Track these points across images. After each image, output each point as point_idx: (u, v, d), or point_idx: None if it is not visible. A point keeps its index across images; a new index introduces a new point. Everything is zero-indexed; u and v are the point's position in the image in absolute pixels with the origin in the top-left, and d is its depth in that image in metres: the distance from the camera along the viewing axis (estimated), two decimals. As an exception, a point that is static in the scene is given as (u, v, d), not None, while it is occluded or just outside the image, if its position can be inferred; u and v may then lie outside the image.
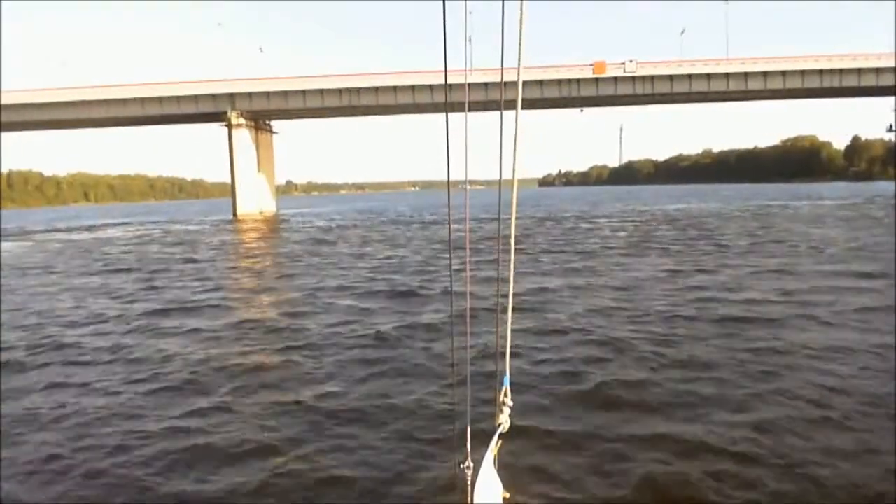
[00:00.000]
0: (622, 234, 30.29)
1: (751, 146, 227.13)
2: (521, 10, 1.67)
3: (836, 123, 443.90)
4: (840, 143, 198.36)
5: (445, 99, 1.83)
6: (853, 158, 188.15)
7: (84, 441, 6.20)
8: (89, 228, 51.88)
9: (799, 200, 63.44)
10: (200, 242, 32.93)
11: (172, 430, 6.45)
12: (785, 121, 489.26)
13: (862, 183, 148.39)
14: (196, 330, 11.45)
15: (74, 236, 41.67)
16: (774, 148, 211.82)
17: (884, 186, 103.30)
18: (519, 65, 1.76)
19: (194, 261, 23.32)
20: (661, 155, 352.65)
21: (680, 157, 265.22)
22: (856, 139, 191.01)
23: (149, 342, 10.52)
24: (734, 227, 31.47)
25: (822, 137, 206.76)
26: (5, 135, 79.81)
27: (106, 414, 6.97)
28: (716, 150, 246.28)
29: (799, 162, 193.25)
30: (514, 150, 1.81)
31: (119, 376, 8.53)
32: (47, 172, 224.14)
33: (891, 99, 76.62)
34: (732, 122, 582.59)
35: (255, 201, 74.82)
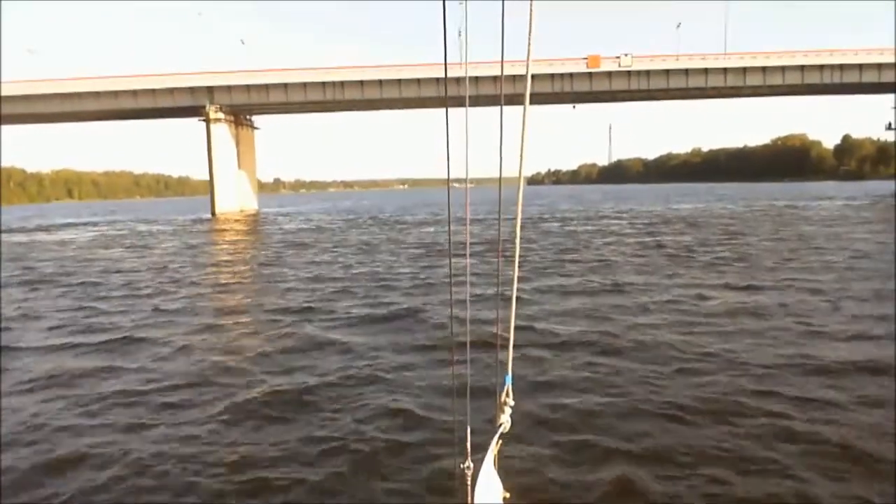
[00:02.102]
0: (656, 239, 26.52)
1: (740, 145, 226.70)
2: (531, 7, 1.66)
3: (826, 122, 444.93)
4: (829, 141, 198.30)
5: (445, 93, 1.78)
6: (843, 158, 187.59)
7: None
8: (49, 229, 48.47)
9: (804, 200, 60.64)
10: (157, 246, 29.92)
11: None
12: (774, 120, 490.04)
13: (853, 182, 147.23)
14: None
15: (28, 238, 38.39)
16: (765, 147, 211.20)
17: (877, 186, 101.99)
18: (528, 58, 1.71)
19: (135, 270, 20.28)
20: (650, 154, 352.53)
21: (669, 156, 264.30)
22: (846, 138, 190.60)
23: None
24: (766, 230, 28.51)
25: (812, 136, 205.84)
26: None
27: None
28: (705, 148, 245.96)
29: (789, 161, 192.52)
30: (521, 147, 1.77)
31: None
32: (31, 169, 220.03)
33: (891, 96, 74.68)
34: (721, 120, 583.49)
35: (236, 199, 71.83)
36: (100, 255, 26.13)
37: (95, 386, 8.02)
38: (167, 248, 29.01)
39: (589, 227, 34.44)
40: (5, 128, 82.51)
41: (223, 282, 17.25)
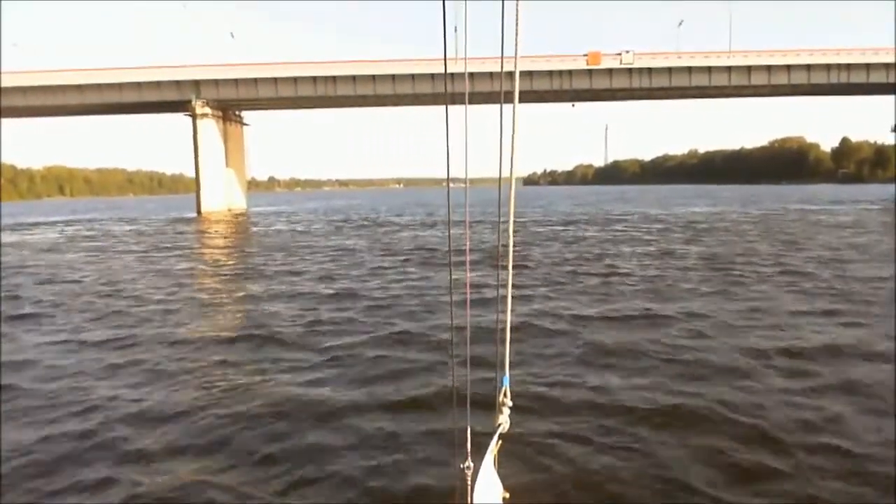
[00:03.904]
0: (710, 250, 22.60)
1: (737, 147, 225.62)
2: (517, 7, 1.68)
3: (822, 125, 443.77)
4: (826, 144, 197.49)
5: (445, 90, 1.81)
6: (841, 160, 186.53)
7: None
8: (18, 228, 45.59)
9: (817, 204, 57.61)
10: (120, 248, 27.34)
11: None
12: (770, 122, 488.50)
13: (852, 185, 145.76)
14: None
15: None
16: (762, 149, 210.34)
17: (879, 189, 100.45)
18: (516, 58, 1.73)
19: (72, 280, 17.55)
20: (646, 155, 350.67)
21: (666, 158, 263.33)
22: (845, 141, 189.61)
23: None
24: (804, 238, 25.68)
25: (809, 139, 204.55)
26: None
27: None
28: (701, 150, 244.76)
29: (787, 163, 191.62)
30: (511, 148, 1.80)
31: None
32: (23, 165, 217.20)
33: (891, 98, 72.65)
34: (717, 122, 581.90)
35: (223, 198, 69.48)
36: (49, 259, 23.48)
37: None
38: (132, 250, 26.60)
39: (604, 233, 30.99)
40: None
41: (170, 296, 14.79)
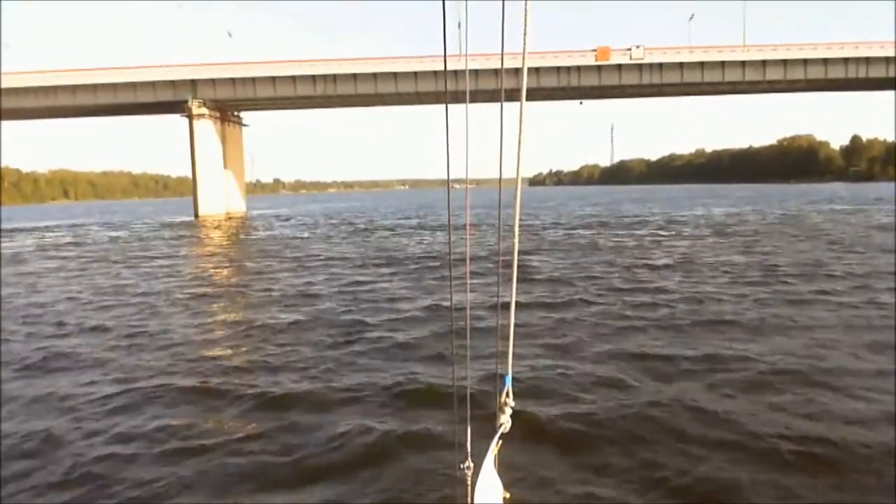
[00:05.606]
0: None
1: (745, 146, 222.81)
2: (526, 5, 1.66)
3: (832, 123, 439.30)
4: (836, 142, 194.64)
5: (445, 89, 1.79)
6: (852, 158, 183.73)
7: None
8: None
9: (842, 204, 54.61)
10: (91, 258, 25.24)
11: None
12: (776, 120, 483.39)
13: (863, 183, 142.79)
14: None
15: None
16: (770, 148, 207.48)
17: (891, 187, 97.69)
18: (524, 54, 1.69)
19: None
20: (652, 154, 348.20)
21: (673, 157, 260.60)
22: (855, 139, 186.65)
23: None
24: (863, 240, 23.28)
25: (819, 137, 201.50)
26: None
27: None
28: (708, 149, 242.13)
29: (796, 162, 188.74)
30: (518, 146, 1.77)
31: None
32: (28, 169, 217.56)
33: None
34: (724, 121, 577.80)
35: (221, 201, 67.57)
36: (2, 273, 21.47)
37: None
38: (99, 260, 24.49)
39: (632, 239, 27.72)
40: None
41: (93, 317, 12.69)
